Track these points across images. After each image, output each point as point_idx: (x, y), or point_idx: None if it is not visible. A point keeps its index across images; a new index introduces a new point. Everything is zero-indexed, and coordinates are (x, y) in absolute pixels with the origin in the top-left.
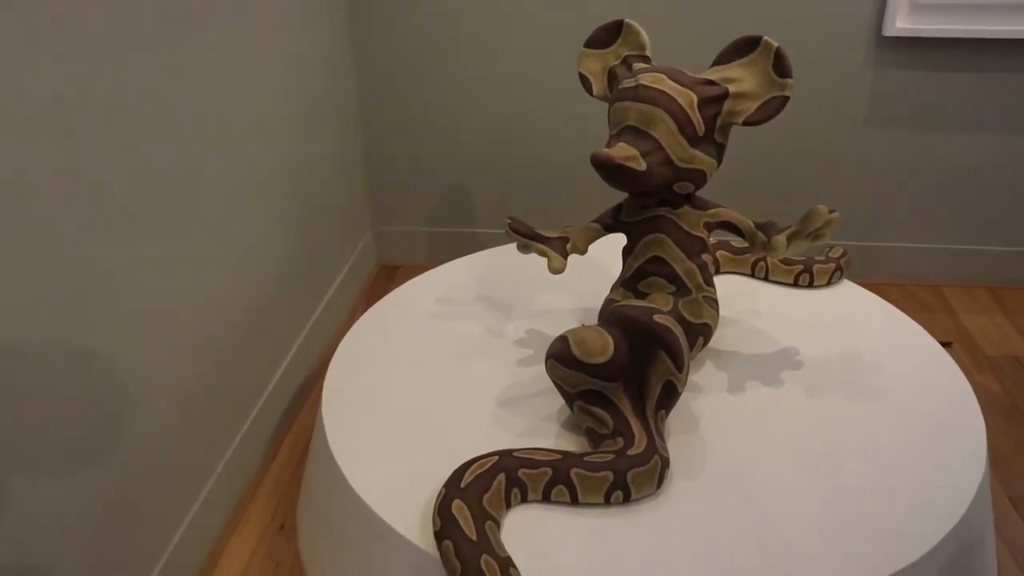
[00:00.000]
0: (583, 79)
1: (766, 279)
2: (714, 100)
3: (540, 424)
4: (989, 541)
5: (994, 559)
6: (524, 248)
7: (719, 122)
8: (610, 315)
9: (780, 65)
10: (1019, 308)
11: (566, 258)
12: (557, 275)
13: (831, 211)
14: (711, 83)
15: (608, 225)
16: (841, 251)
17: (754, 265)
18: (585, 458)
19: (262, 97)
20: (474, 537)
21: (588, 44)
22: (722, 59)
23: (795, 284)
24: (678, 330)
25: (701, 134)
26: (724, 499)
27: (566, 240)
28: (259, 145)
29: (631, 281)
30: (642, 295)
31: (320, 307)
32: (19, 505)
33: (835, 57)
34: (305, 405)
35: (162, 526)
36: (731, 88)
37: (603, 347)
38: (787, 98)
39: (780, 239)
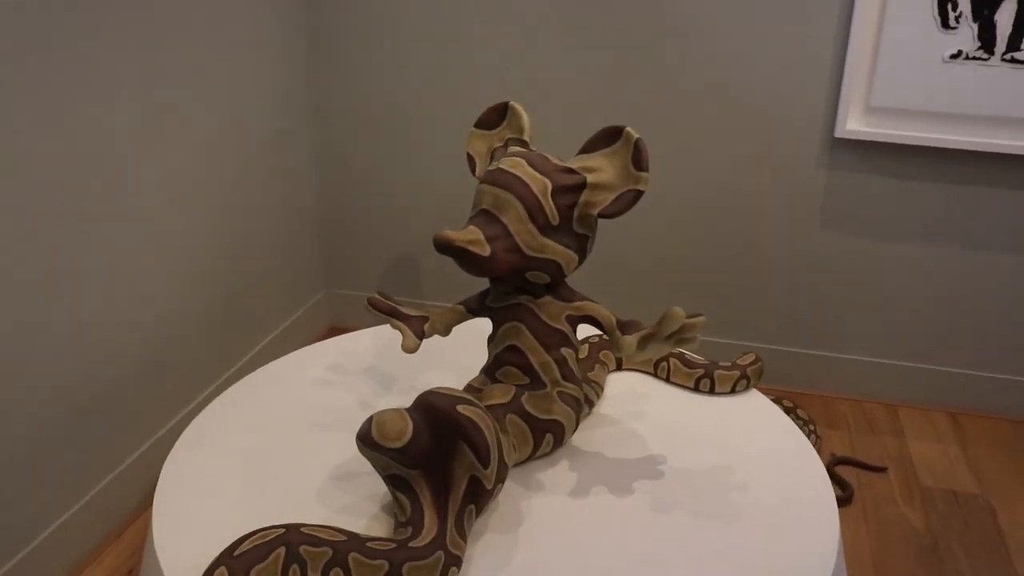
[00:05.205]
0: (469, 159)
1: (668, 380)
2: (571, 189)
3: (362, 502)
4: None
5: None
6: (391, 324)
7: (577, 212)
8: (417, 400)
9: (638, 158)
10: (978, 438)
11: (421, 339)
12: (410, 354)
13: (694, 315)
14: (571, 171)
15: (473, 309)
16: (752, 358)
17: (656, 364)
18: (368, 543)
19: (211, 146)
20: None
21: (477, 124)
22: (588, 147)
23: (696, 389)
24: (485, 424)
25: (555, 223)
26: None
27: (425, 320)
28: (186, 201)
29: (490, 369)
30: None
31: (244, 359)
32: None
33: (787, 156)
34: None
35: None
36: (590, 178)
37: (400, 432)
38: (640, 192)
39: (629, 339)
